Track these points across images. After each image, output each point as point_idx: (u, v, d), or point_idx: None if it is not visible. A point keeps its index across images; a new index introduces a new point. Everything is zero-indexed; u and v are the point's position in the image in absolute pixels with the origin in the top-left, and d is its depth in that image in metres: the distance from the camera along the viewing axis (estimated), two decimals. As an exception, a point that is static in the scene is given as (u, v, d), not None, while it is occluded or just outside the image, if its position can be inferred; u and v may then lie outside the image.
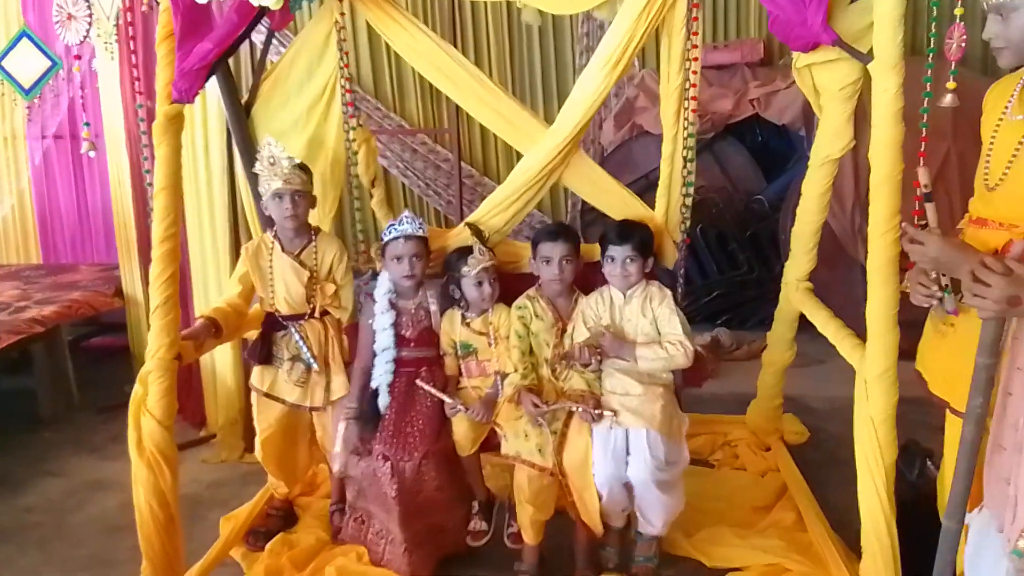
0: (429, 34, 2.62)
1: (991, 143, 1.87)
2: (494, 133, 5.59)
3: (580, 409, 2.37)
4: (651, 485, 2.30)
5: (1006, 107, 1.84)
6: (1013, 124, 1.81)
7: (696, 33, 2.43)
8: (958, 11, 1.87)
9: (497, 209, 2.69)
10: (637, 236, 2.51)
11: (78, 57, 2.68)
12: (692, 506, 2.73)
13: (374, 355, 2.61)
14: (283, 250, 2.64)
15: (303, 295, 2.64)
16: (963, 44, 1.90)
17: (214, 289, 3.38)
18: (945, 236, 1.77)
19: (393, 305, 2.62)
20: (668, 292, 2.56)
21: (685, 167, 2.58)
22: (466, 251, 2.59)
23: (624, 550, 2.54)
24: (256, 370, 2.70)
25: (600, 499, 2.35)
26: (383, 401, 2.57)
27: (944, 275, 1.82)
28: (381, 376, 2.58)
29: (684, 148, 2.56)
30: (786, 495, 2.88)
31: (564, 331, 2.58)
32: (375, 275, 2.71)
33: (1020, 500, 1.53)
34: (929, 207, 1.73)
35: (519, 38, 5.53)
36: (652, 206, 2.75)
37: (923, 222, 1.77)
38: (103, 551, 2.76)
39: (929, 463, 2.35)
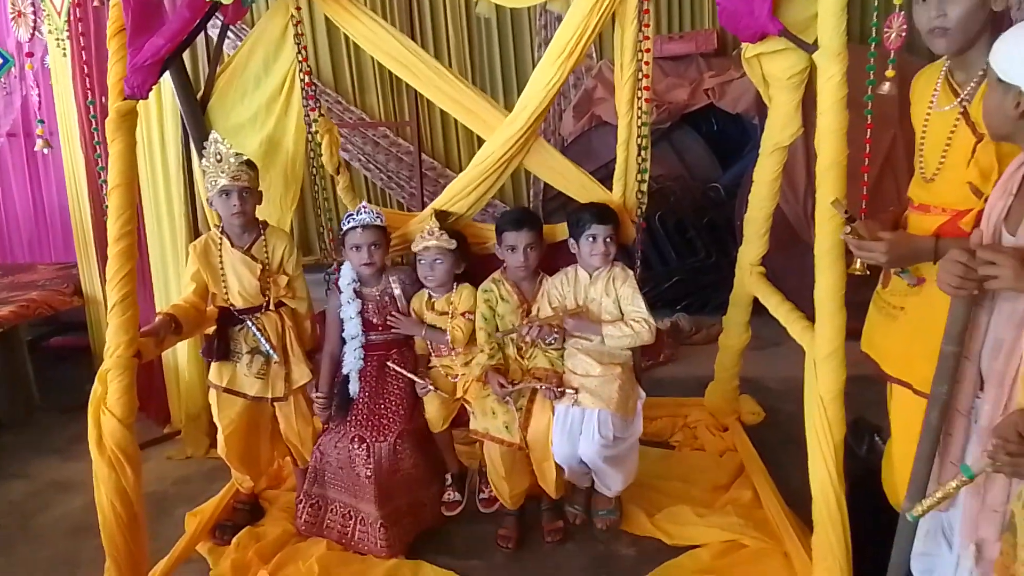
0: (386, 27, 2.62)
1: (923, 133, 1.94)
2: (455, 126, 5.65)
3: (543, 387, 2.48)
4: (599, 461, 2.43)
5: (932, 98, 1.90)
6: (941, 115, 1.87)
7: (648, 24, 2.47)
8: (897, 0, 1.93)
9: (459, 196, 2.75)
10: (614, 217, 2.60)
11: (30, 55, 2.63)
12: (653, 486, 2.82)
13: (342, 343, 2.69)
14: (232, 246, 2.64)
15: (257, 288, 2.64)
16: (903, 33, 1.96)
17: (174, 286, 3.35)
18: (887, 232, 1.83)
19: (358, 294, 2.68)
20: (630, 272, 2.63)
21: (640, 155, 2.63)
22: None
23: (588, 506, 2.69)
24: (214, 367, 2.69)
25: (562, 471, 2.53)
26: (354, 388, 2.64)
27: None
28: (352, 363, 2.66)
29: (639, 136, 2.61)
30: (743, 474, 2.97)
31: (529, 312, 2.65)
32: (341, 265, 2.75)
33: (988, 486, 1.58)
34: (859, 223, 1.83)
35: (478, 32, 5.55)
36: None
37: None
38: (68, 552, 2.75)
39: (877, 438, 2.42)
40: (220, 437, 2.73)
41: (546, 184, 3.88)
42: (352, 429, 2.56)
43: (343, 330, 2.69)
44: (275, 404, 2.73)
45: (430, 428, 2.68)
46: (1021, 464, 1.39)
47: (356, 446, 2.52)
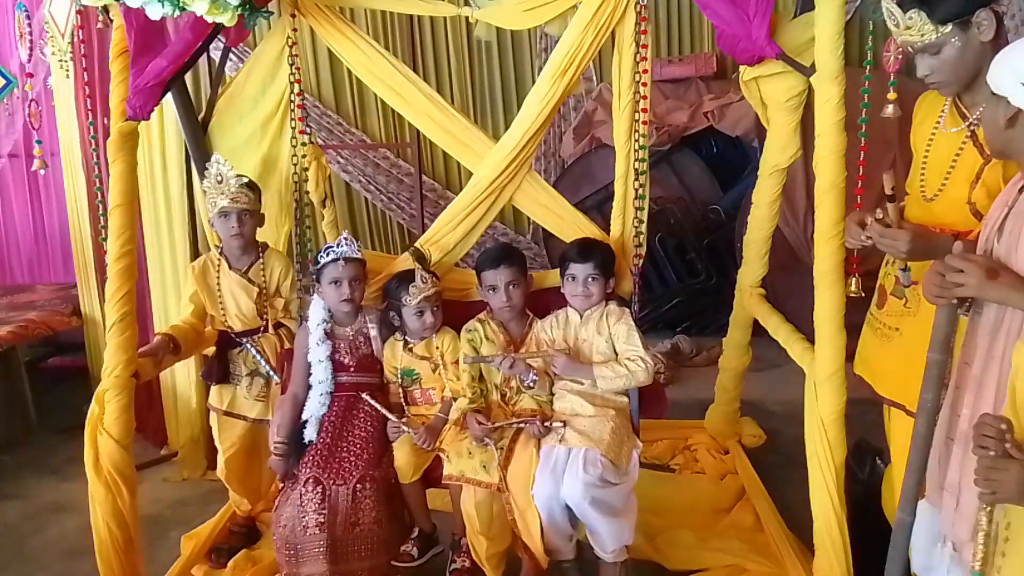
0: (382, 51, 2.62)
1: (926, 154, 1.94)
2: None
3: (528, 423, 2.31)
4: (584, 504, 2.15)
5: (938, 120, 1.91)
6: (947, 136, 1.88)
7: (645, 47, 2.47)
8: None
9: (448, 228, 2.64)
10: (599, 255, 2.44)
11: (30, 75, 2.65)
12: (653, 510, 2.78)
13: (309, 386, 2.47)
14: (230, 268, 2.63)
15: (255, 311, 2.63)
16: (900, 56, 1.98)
17: (174, 307, 3.34)
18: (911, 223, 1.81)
19: (329, 334, 2.48)
20: (625, 309, 2.48)
21: (638, 179, 2.55)
22: (407, 277, 2.46)
23: None
24: (214, 390, 2.68)
25: (541, 521, 2.21)
26: (311, 434, 2.39)
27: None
28: (314, 409, 2.42)
29: (636, 161, 2.54)
30: (744, 497, 2.94)
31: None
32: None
33: (964, 487, 1.59)
34: (891, 207, 1.75)
35: (479, 55, 5.57)
36: (610, 217, 2.69)
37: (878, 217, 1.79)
38: (63, 574, 2.72)
39: (879, 461, 2.41)
40: (220, 460, 2.72)
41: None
42: (307, 472, 2.23)
43: (311, 371, 2.46)
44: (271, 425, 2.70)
45: (400, 478, 2.35)
46: (992, 476, 1.40)
47: (310, 489, 2.19)
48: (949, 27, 1.72)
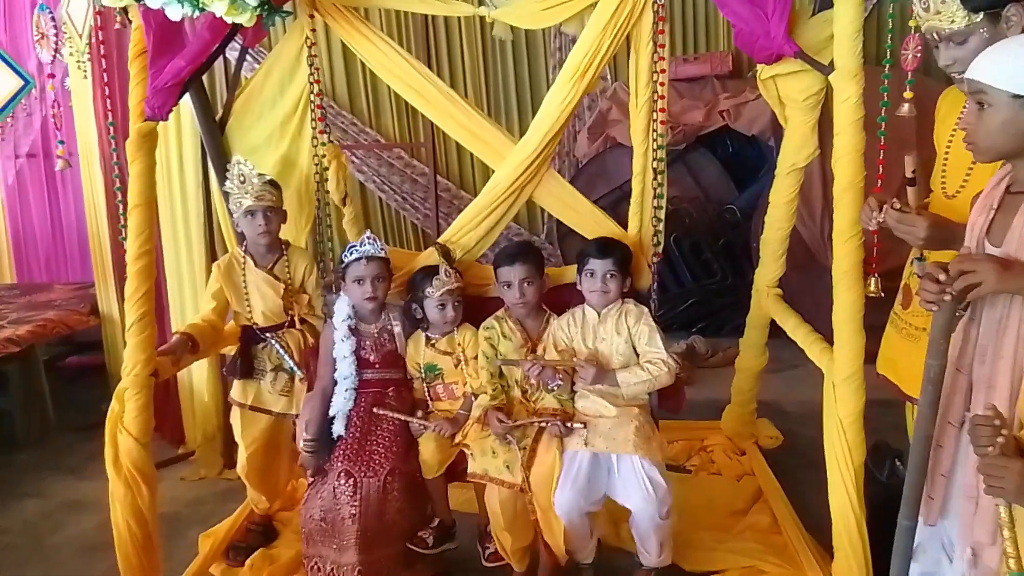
0: (401, 52, 2.64)
1: (946, 152, 1.92)
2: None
3: (549, 423, 2.33)
4: (656, 517, 2.25)
5: (960, 116, 1.89)
6: None
7: (663, 46, 2.46)
8: (912, 23, 1.93)
9: (469, 226, 2.66)
10: (618, 252, 2.46)
11: (51, 76, 2.67)
12: (670, 511, 2.78)
13: (335, 382, 2.53)
14: (256, 265, 2.66)
15: (281, 307, 2.65)
16: (918, 55, 1.96)
17: (190, 305, 3.37)
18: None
19: (353, 331, 2.54)
20: (645, 309, 2.50)
21: (656, 178, 2.56)
22: (432, 271, 2.52)
23: None
24: (237, 385, 2.70)
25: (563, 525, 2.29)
26: (338, 429, 2.46)
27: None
28: (340, 405, 2.49)
29: (655, 160, 2.55)
30: (761, 498, 2.93)
31: (534, 351, 2.51)
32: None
33: (983, 491, 1.58)
34: (911, 191, 1.73)
35: (493, 54, 5.57)
36: (625, 217, 2.72)
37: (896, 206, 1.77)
38: (81, 572, 2.74)
39: (898, 463, 2.39)
40: (242, 456, 2.73)
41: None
42: (339, 465, 2.34)
43: (336, 367, 2.53)
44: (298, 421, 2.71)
45: (424, 473, 2.44)
46: (992, 473, 1.39)
47: (342, 482, 2.30)
48: (980, 16, 1.70)
